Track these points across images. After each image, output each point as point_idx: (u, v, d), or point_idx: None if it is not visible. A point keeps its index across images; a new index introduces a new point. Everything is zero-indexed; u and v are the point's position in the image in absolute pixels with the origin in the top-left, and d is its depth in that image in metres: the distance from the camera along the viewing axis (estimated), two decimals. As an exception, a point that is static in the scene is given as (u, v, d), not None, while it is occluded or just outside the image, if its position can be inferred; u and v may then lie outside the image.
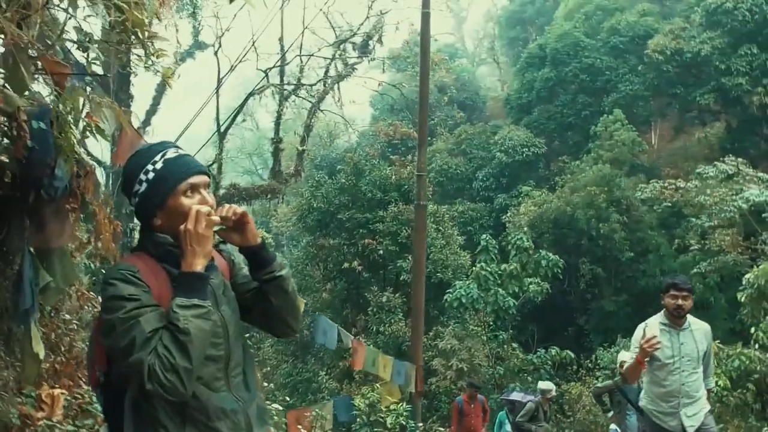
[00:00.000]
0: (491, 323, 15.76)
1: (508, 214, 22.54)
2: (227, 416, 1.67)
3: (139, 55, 5.08)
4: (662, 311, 4.35)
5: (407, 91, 26.01)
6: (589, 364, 15.49)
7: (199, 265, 1.60)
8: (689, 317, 4.34)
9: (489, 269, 14.64)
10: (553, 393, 8.33)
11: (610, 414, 6.97)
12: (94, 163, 3.33)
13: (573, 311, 21.69)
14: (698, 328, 4.34)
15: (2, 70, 2.52)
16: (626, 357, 6.24)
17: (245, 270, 1.87)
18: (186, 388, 1.53)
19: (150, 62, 4.68)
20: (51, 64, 2.55)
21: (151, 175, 1.69)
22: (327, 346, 8.60)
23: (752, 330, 10.13)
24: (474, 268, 15.23)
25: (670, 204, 18.24)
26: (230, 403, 1.70)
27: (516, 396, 8.36)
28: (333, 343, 7.45)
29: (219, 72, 16.65)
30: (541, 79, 26.99)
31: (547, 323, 20.72)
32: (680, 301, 4.18)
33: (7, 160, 3.09)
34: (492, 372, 14.87)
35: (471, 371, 14.45)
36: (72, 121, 2.89)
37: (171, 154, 1.73)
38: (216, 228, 1.69)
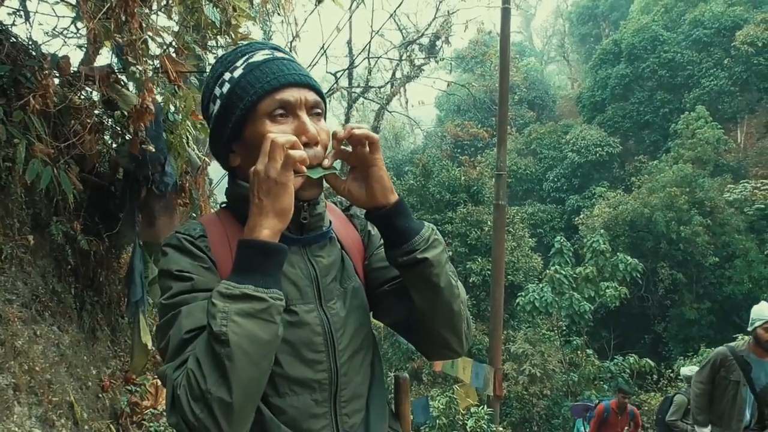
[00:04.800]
0: (564, 328, 15.26)
1: (581, 216, 21.82)
2: None
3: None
4: None
5: (474, 91, 25.75)
6: (671, 374, 14.72)
7: (266, 231, 1.00)
8: None
9: (564, 272, 14.15)
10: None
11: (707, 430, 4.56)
12: (207, 159, 3.43)
13: (650, 318, 20.71)
14: None
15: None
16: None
17: None
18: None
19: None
20: (170, 62, 2.63)
21: (226, 87, 1.14)
22: (409, 346, 8.50)
23: None
24: (547, 270, 14.78)
25: (762, 206, 17.03)
26: None
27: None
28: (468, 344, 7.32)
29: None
30: (615, 75, 26.00)
31: (622, 330, 19.93)
32: None
33: (121, 158, 3.23)
34: (566, 378, 14.37)
35: (544, 377, 14.06)
36: (182, 119, 2.98)
37: (260, 56, 1.14)
38: (316, 173, 1.09)
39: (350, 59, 19.15)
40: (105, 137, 3.54)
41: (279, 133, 1.05)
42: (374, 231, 1.32)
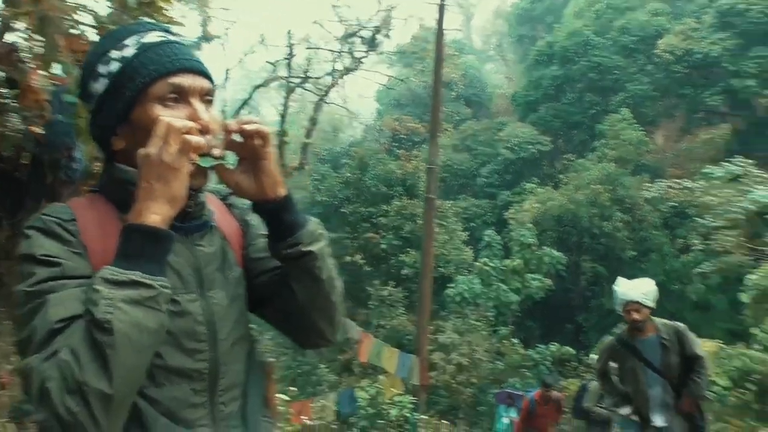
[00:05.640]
0: (492, 318, 15.81)
1: (511, 211, 22.53)
2: None
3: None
4: None
5: (414, 86, 26.03)
6: (588, 361, 15.56)
7: (155, 216, 0.97)
8: None
9: (492, 264, 14.68)
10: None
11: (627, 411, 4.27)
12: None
13: (573, 309, 21.71)
14: None
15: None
16: None
17: (265, 240, 1.20)
18: (100, 428, 0.88)
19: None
20: (75, 43, 2.59)
21: (114, 66, 1.07)
22: (339, 337, 8.54)
23: (753, 331, 10.21)
24: (477, 263, 15.28)
25: (675, 204, 18.23)
26: None
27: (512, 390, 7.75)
28: (341, 334, 7.42)
29: (226, 64, 16.72)
30: (549, 76, 26.93)
31: (546, 320, 20.77)
32: None
33: (26, 142, 3.13)
34: (492, 367, 14.92)
35: (471, 366, 14.52)
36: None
37: (153, 37, 1.10)
38: (207, 162, 1.06)
39: (290, 48, 18.95)
40: (13, 119, 3.41)
41: (171, 118, 1.01)
42: (253, 221, 1.27)
